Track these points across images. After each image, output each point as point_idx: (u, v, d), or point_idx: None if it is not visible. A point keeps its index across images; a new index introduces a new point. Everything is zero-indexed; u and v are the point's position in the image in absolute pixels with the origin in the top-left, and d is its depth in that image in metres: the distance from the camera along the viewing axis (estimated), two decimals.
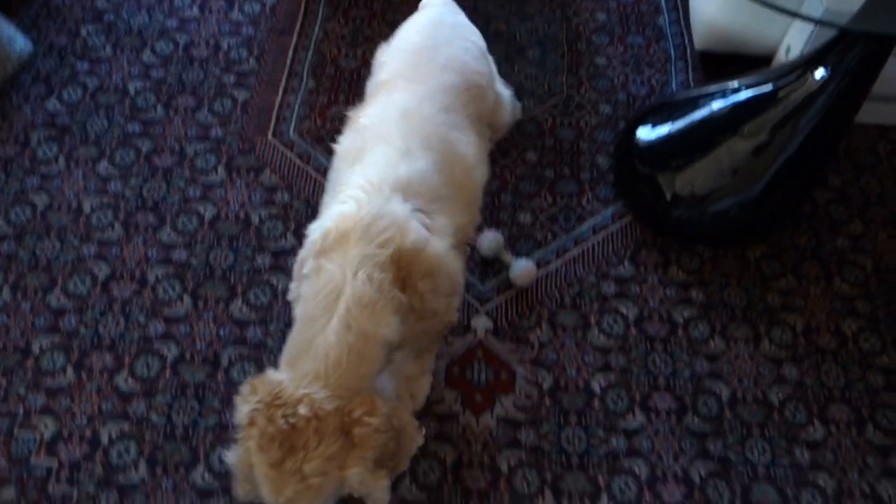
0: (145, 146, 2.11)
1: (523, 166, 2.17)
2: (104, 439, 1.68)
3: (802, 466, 1.75)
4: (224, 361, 1.79)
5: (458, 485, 1.68)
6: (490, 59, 1.79)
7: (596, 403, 1.80)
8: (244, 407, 1.22)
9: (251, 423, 1.20)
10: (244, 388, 1.24)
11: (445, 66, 1.56)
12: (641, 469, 1.72)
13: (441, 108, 1.49)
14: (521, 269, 1.93)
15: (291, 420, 1.17)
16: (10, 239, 1.93)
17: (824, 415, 1.82)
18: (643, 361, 1.87)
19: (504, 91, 1.87)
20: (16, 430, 1.68)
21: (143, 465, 1.66)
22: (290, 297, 1.42)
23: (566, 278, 1.98)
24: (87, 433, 1.68)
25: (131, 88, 2.22)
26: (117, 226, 1.97)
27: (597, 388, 1.82)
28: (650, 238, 2.06)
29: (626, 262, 2.02)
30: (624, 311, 1.94)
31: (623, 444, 1.76)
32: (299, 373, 1.24)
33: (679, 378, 1.85)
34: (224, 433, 1.70)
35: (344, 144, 1.50)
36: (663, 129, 2.08)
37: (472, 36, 1.72)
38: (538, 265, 1.98)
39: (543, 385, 1.82)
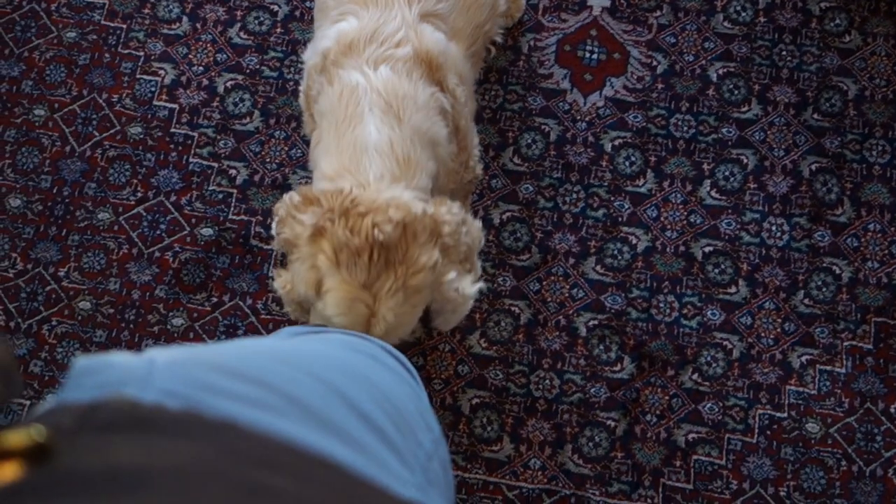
0: None
1: None
2: (220, 89, 1.75)
3: None
4: None
5: (560, 159, 1.71)
6: None
7: (711, 91, 1.75)
8: (305, 217, 1.03)
9: (319, 234, 1.02)
10: (292, 199, 1.08)
11: None
12: (749, 159, 1.71)
13: None
14: None
15: (386, 227, 1.00)
16: None
17: None
18: (768, 52, 1.78)
19: None
20: (138, 73, 1.76)
21: (257, 115, 1.74)
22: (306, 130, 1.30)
23: None
24: (204, 81, 1.76)
25: None
26: None
27: (714, 76, 1.76)
28: None
29: None
30: None
31: (734, 133, 1.73)
32: (368, 176, 1.06)
33: (804, 71, 1.77)
34: None
35: None
36: None
37: None
38: None
39: (657, 69, 1.77)
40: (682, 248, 1.66)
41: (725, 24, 1.79)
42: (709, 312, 1.62)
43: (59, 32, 1.78)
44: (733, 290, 1.63)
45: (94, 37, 1.78)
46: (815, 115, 1.73)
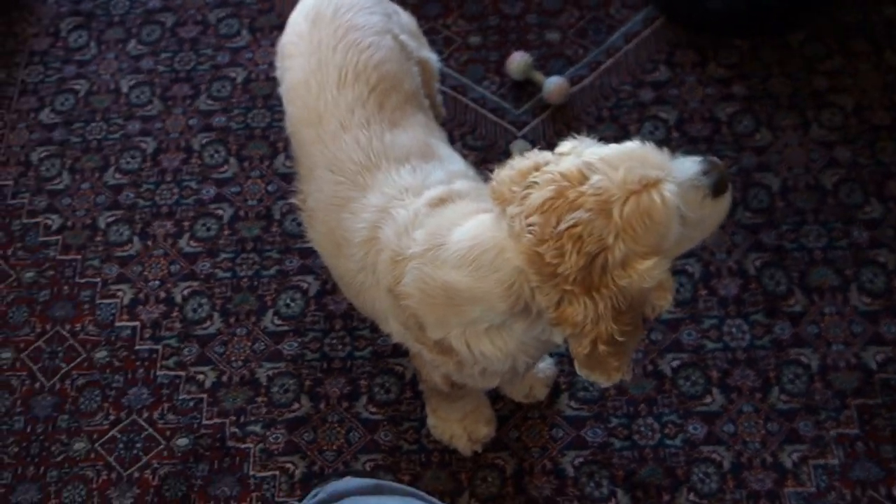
0: (169, 20, 2.03)
1: None
2: (178, 298, 1.70)
3: (861, 245, 1.64)
4: (276, 214, 1.77)
5: None
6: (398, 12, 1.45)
7: None
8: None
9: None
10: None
11: (341, 84, 1.27)
12: (695, 267, 1.65)
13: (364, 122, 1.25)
14: (554, 85, 1.81)
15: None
16: (60, 126, 1.91)
17: (881, 192, 1.69)
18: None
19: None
20: (98, 299, 1.71)
21: (216, 318, 1.67)
22: None
23: (602, 91, 1.85)
24: (162, 294, 1.70)
25: None
26: (156, 101, 1.93)
27: None
28: (684, 38, 1.90)
29: (661, 67, 1.87)
30: (664, 115, 1.82)
31: None
32: None
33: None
34: (286, 279, 1.69)
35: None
36: None
37: (357, 17, 1.32)
38: (572, 82, 1.85)
39: None
40: (649, 368, 1.57)
41: None
42: (690, 427, 1.51)
43: (18, 274, 1.74)
44: (709, 399, 1.53)
45: (52, 273, 1.74)
46: (747, 213, 1.69)
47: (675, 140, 1.78)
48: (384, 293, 1.19)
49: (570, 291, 0.96)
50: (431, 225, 1.12)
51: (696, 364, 1.56)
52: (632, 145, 0.99)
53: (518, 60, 1.84)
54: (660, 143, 1.76)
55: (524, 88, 1.87)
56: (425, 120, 1.33)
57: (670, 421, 1.52)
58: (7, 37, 2.04)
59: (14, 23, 2.05)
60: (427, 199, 1.16)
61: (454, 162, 1.28)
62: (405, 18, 1.47)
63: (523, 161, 1.03)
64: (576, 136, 1.04)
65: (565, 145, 1.03)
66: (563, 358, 1.56)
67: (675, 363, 1.56)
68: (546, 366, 1.55)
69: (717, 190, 1.02)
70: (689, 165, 1.02)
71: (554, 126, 1.82)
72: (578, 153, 0.99)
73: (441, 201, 1.16)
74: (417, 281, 1.09)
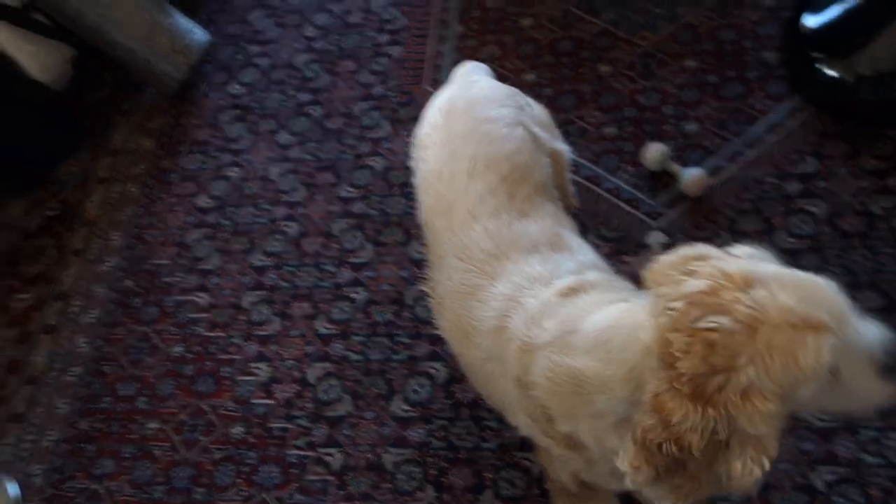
0: (317, 112, 2.15)
1: (683, 75, 1.98)
2: (311, 379, 1.74)
3: None
4: (408, 300, 1.80)
5: None
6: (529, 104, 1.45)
7: None
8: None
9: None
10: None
11: (473, 173, 1.28)
12: None
13: (493, 211, 1.25)
14: (691, 177, 1.76)
15: None
16: (214, 211, 2.05)
17: None
18: (840, 259, 1.65)
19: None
20: (237, 376, 1.78)
21: (347, 400, 1.70)
22: None
23: (743, 183, 1.79)
24: (296, 374, 1.75)
25: (298, 62, 2.27)
26: (301, 188, 2.03)
27: None
28: (833, 129, 1.81)
29: (808, 158, 1.79)
30: (813, 209, 1.72)
31: None
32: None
33: (884, 273, 1.62)
34: (415, 365, 1.70)
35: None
36: (834, 9, 1.81)
37: (489, 109, 1.34)
38: (710, 173, 1.80)
39: None
40: (800, 480, 1.44)
41: (789, 240, 1.69)
42: None
43: (167, 349, 1.85)
44: None
45: (198, 348, 1.83)
46: None
47: (825, 235, 1.68)
48: (512, 383, 1.16)
49: (677, 389, 0.87)
50: (563, 314, 1.09)
51: (853, 480, 1.42)
52: (816, 277, 0.90)
53: (654, 151, 1.81)
54: (808, 238, 1.67)
55: (660, 179, 1.83)
56: (555, 210, 1.32)
57: None
58: (174, 128, 2.23)
59: (181, 115, 2.25)
60: (557, 289, 1.13)
61: (584, 252, 1.26)
62: (537, 111, 1.48)
63: (689, 248, 0.97)
64: (757, 246, 0.97)
65: (741, 249, 0.96)
66: None
67: (830, 477, 1.43)
68: None
69: (890, 372, 0.90)
70: (872, 331, 0.90)
71: (692, 218, 1.76)
72: (752, 260, 0.92)
73: (572, 291, 1.13)
74: (546, 370, 1.05)
